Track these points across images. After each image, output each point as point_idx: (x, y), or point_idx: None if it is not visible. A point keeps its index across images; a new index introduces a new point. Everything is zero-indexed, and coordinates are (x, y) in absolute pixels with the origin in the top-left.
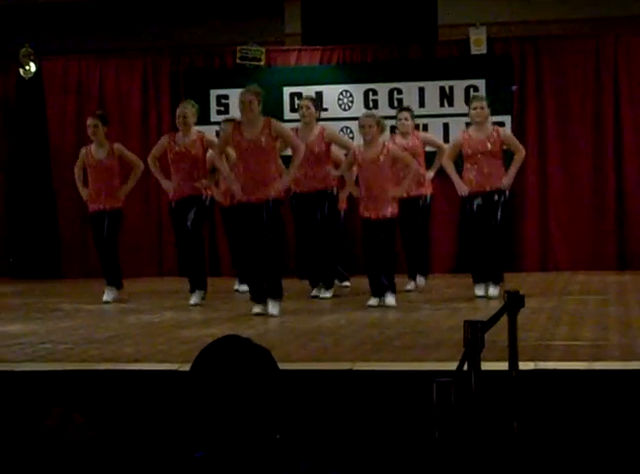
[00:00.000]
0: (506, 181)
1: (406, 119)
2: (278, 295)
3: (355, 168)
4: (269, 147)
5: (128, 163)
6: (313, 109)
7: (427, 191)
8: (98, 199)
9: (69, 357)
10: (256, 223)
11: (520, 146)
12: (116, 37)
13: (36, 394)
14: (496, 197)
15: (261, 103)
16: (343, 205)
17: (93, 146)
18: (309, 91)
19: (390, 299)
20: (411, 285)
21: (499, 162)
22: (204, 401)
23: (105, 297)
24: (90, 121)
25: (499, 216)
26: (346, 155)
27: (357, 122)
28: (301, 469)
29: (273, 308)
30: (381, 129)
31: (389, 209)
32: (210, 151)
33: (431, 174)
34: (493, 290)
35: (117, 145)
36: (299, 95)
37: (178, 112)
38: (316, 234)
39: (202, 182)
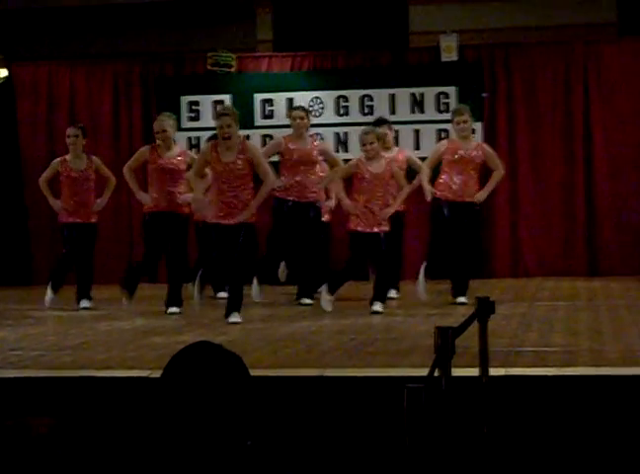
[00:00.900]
0: (480, 195)
1: (385, 134)
2: (238, 308)
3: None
4: (244, 171)
5: (102, 177)
6: (307, 118)
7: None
8: (75, 212)
9: (40, 364)
10: (230, 244)
11: (501, 165)
12: (86, 43)
13: (6, 401)
14: (469, 209)
15: (237, 124)
16: (328, 217)
17: (69, 157)
18: (280, 97)
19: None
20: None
21: (476, 176)
22: (175, 407)
23: (83, 305)
24: (71, 131)
25: (470, 229)
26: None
27: (327, 129)
28: None
29: (234, 317)
30: (382, 142)
31: (384, 228)
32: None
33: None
34: (462, 298)
35: (95, 158)
36: (270, 101)
37: (156, 127)
38: (307, 242)
39: (185, 196)
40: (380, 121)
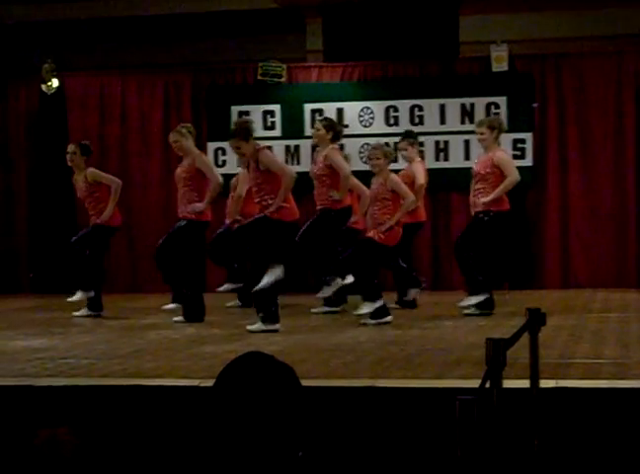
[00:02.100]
0: (486, 198)
1: (405, 150)
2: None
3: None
4: (258, 180)
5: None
6: (323, 130)
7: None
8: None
9: (91, 373)
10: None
11: (512, 171)
12: (138, 53)
13: (56, 409)
14: (474, 219)
15: (251, 135)
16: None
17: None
18: (330, 108)
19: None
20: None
21: (489, 185)
22: (228, 417)
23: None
24: (68, 148)
25: (469, 234)
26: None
27: (378, 139)
28: None
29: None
30: (389, 160)
31: (375, 236)
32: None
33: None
34: (461, 302)
35: (89, 171)
36: (320, 111)
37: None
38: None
39: (195, 206)
40: (403, 135)
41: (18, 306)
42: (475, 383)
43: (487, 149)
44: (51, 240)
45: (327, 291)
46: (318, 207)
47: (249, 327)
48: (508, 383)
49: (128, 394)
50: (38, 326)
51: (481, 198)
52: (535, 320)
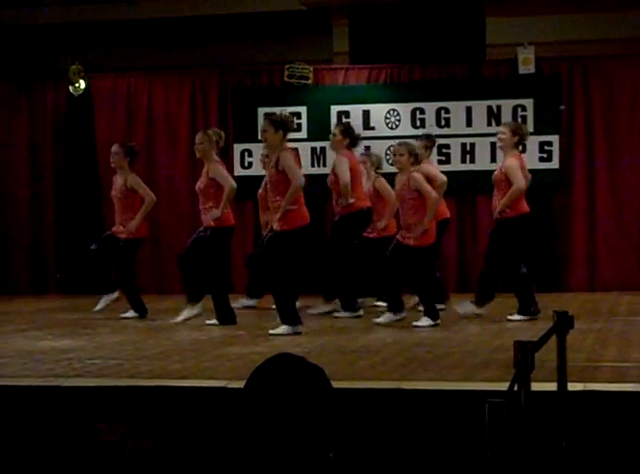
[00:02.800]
0: (497, 208)
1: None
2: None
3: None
4: (275, 178)
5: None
6: (340, 136)
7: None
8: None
9: (118, 373)
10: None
11: (517, 180)
12: (164, 54)
13: (84, 410)
14: (496, 225)
15: (283, 128)
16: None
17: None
18: (356, 110)
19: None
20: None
21: (500, 191)
22: (259, 419)
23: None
24: (112, 149)
25: (491, 243)
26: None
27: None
28: None
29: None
30: (413, 160)
31: (411, 240)
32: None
33: None
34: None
35: (130, 177)
36: (347, 113)
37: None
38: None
39: (212, 213)
40: (422, 136)
41: (45, 307)
42: (502, 386)
43: (504, 152)
44: (78, 241)
45: (322, 308)
46: (336, 213)
47: (271, 331)
48: (536, 386)
49: (155, 395)
50: (65, 327)
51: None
52: (563, 323)
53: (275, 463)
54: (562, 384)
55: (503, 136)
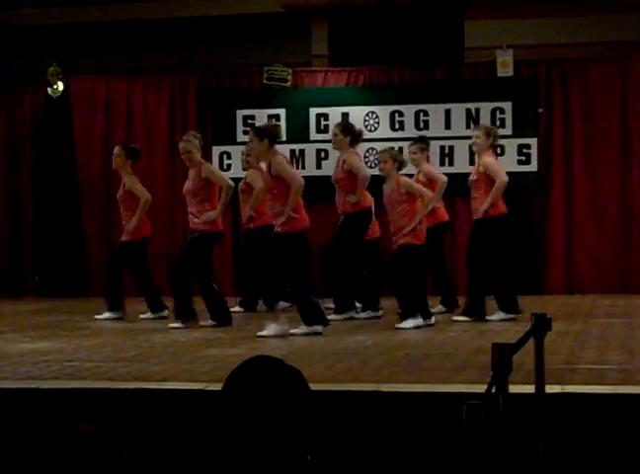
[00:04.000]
0: (481, 206)
1: (414, 153)
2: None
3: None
4: (270, 185)
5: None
6: (341, 135)
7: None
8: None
9: (96, 376)
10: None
11: (499, 174)
12: (143, 56)
13: (62, 412)
14: (475, 224)
15: (268, 137)
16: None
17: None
18: (335, 112)
19: (403, 323)
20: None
21: (480, 192)
22: (236, 421)
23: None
24: (114, 150)
25: (471, 244)
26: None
27: (382, 144)
28: None
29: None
30: (397, 164)
31: (401, 239)
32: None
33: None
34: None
35: (128, 178)
36: (326, 116)
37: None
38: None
39: (208, 215)
40: (416, 139)
41: (23, 309)
42: (480, 388)
43: (478, 154)
44: (56, 243)
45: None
46: (339, 213)
47: (293, 330)
48: (513, 388)
49: (134, 397)
50: (43, 329)
51: (479, 207)
52: (541, 325)
53: (253, 465)
54: (540, 386)
55: (478, 140)
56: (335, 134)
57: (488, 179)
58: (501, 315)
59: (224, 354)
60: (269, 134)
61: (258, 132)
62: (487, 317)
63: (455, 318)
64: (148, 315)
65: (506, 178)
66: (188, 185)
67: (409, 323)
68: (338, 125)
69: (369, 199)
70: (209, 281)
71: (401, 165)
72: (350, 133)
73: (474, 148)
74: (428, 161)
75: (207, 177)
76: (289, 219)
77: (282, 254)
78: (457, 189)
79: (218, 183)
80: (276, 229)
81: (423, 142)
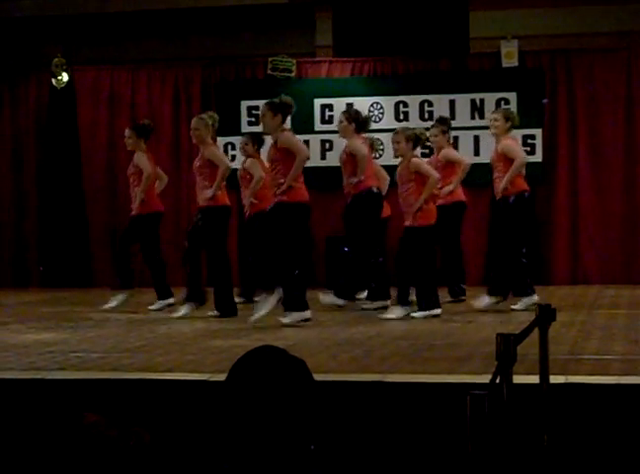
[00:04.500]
0: (500, 185)
1: (435, 136)
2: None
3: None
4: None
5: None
6: (346, 122)
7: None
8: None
9: (101, 366)
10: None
11: (518, 154)
12: (148, 47)
13: (67, 403)
14: (499, 202)
15: (282, 112)
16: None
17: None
18: (340, 102)
19: (416, 314)
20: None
21: (501, 174)
22: (240, 411)
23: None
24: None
25: (501, 224)
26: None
27: (387, 135)
28: None
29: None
30: (411, 145)
31: (409, 221)
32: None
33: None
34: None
35: (136, 154)
36: (330, 106)
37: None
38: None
39: (205, 192)
40: (437, 121)
41: (28, 300)
42: (485, 379)
43: (497, 138)
44: (61, 234)
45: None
46: (346, 194)
47: (283, 319)
48: (518, 379)
49: (138, 388)
50: (48, 320)
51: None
52: (545, 316)
53: (257, 455)
54: (544, 377)
55: (497, 123)
56: (340, 121)
57: (507, 160)
58: (524, 301)
59: (229, 344)
60: (283, 109)
61: (272, 106)
62: (511, 307)
63: (477, 305)
64: (156, 305)
65: (524, 157)
66: (195, 161)
67: (395, 312)
68: (344, 113)
69: (375, 180)
70: (223, 261)
71: (416, 143)
72: (354, 120)
73: (492, 131)
74: (449, 142)
75: (210, 158)
76: (289, 189)
77: (280, 224)
78: (463, 179)
79: (217, 163)
80: (275, 200)
81: (444, 124)
